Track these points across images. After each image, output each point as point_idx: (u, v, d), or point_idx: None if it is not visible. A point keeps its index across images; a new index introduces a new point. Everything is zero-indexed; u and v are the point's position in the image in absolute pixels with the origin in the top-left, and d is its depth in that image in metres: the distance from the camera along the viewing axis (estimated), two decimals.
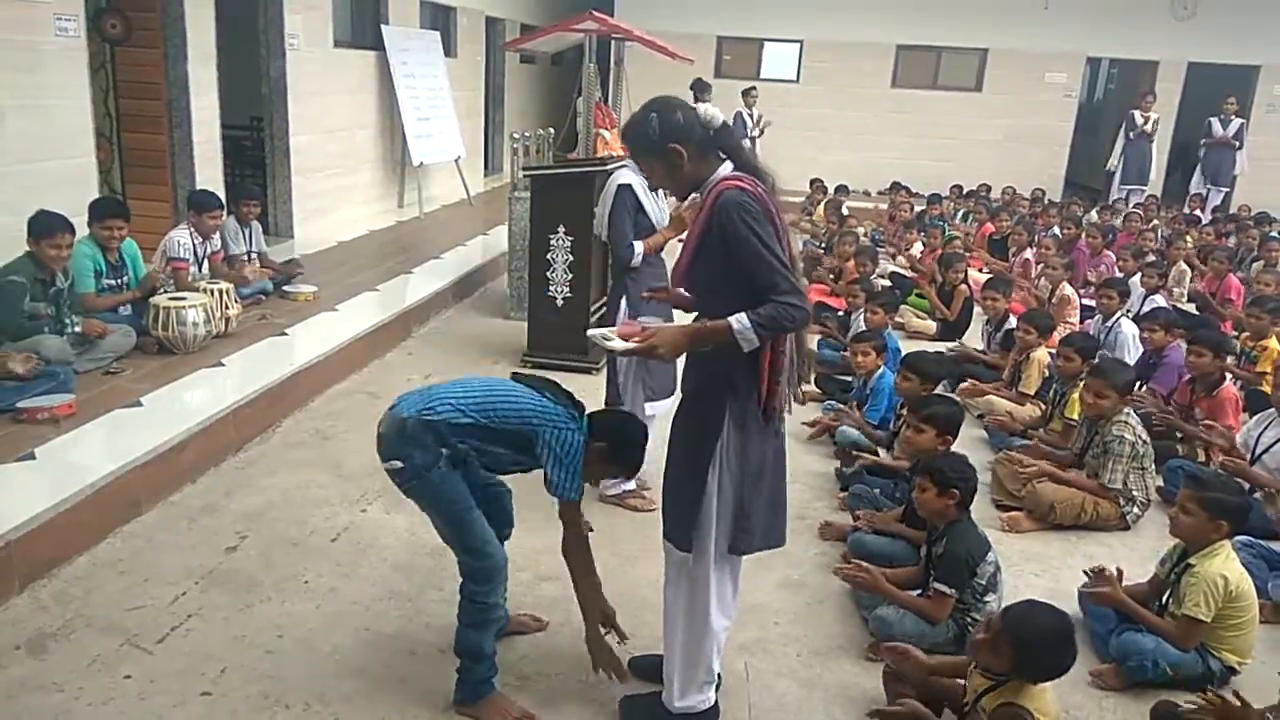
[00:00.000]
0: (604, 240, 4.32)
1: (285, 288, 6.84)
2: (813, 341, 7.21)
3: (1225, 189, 13.73)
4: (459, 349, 6.69)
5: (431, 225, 10.43)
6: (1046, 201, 13.05)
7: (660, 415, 4.38)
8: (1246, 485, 4.42)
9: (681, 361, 2.75)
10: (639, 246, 4.16)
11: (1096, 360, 4.91)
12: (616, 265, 4.30)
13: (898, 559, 3.80)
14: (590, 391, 4.40)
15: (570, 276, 6.14)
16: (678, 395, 4.38)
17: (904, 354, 5.05)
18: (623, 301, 4.25)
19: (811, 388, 6.24)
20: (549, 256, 6.14)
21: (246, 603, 3.45)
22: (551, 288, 6.19)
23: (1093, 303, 7.09)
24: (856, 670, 3.31)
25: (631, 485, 4.41)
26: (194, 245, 6.15)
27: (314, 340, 5.93)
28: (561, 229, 6.07)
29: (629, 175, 4.16)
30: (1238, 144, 13.37)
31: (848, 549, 4.00)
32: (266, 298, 6.66)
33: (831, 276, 8.75)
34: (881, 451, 4.87)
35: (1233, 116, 13.32)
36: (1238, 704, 2.56)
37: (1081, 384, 4.65)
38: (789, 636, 3.49)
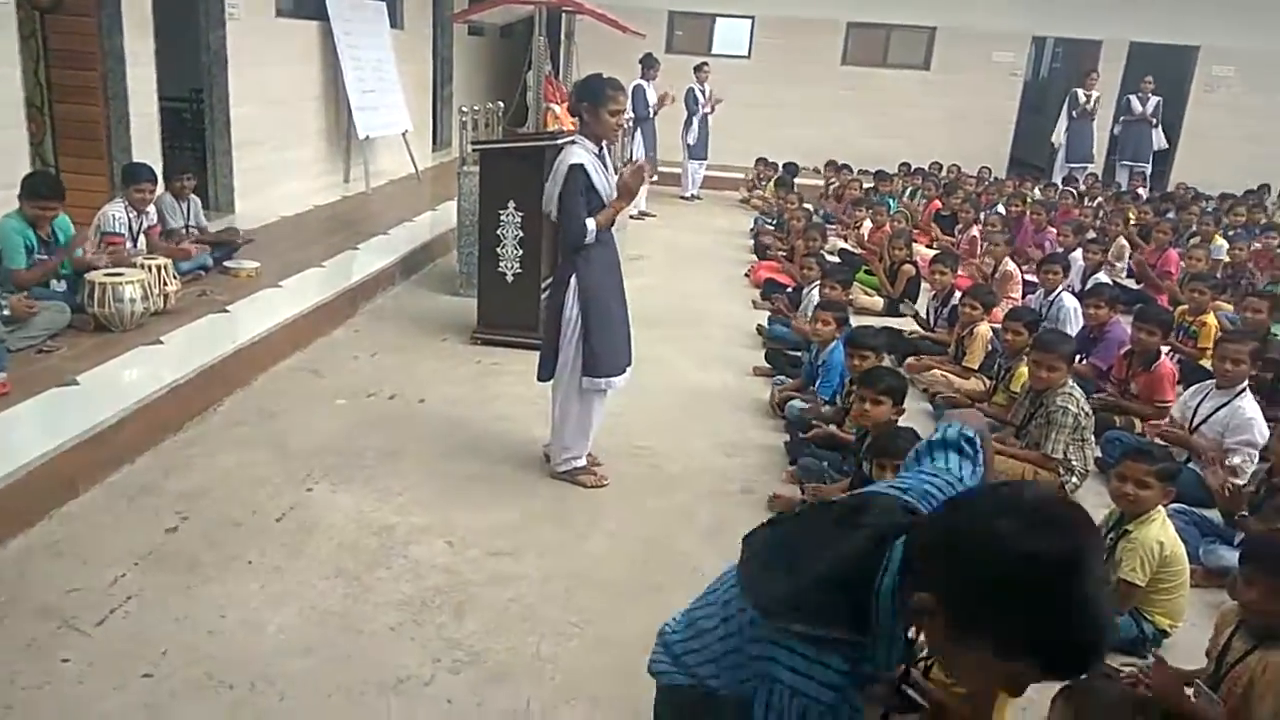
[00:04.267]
0: (553, 219, 4.25)
1: (227, 263, 6.69)
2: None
3: (1145, 165, 14.03)
4: (407, 326, 6.61)
5: (378, 200, 10.27)
6: (992, 179, 13.24)
7: (616, 391, 4.39)
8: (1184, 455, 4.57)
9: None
10: (592, 224, 4.12)
11: (1036, 336, 5.00)
12: (566, 244, 4.24)
13: None
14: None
15: (520, 252, 6.09)
16: (630, 371, 4.42)
17: (848, 332, 5.10)
18: (572, 280, 4.18)
19: (762, 363, 6.30)
20: (499, 232, 6.08)
21: (188, 584, 3.38)
22: (502, 264, 6.13)
23: (1035, 278, 7.23)
24: None
25: (582, 460, 4.41)
26: (129, 220, 5.97)
27: (256, 317, 5.81)
28: (511, 204, 6.01)
29: (580, 154, 4.10)
30: (1154, 120, 13.66)
31: None
32: (206, 273, 6.50)
33: (783, 254, 8.80)
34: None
35: (1150, 95, 13.60)
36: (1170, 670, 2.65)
37: (1030, 358, 4.72)
38: None
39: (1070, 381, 4.58)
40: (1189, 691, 2.77)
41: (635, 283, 7.82)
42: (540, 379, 4.39)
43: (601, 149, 4.22)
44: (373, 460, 4.46)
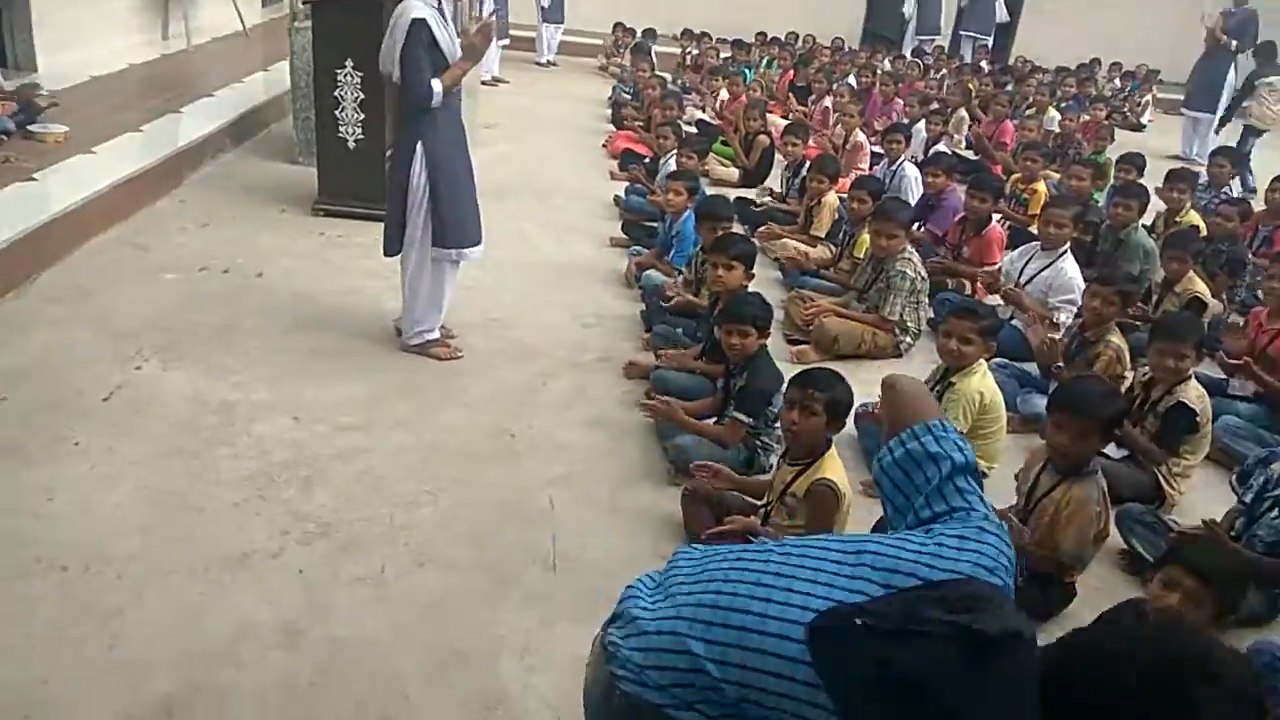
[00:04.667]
0: (394, 80, 3.99)
1: (31, 127, 6.03)
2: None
3: (987, 38, 14.43)
4: (241, 197, 6.18)
5: (202, 59, 9.42)
6: (846, 50, 13.33)
7: (470, 263, 4.28)
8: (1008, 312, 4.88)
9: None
10: (438, 85, 3.89)
11: (876, 206, 5.15)
12: (409, 107, 4.00)
13: (696, 393, 3.95)
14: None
15: (361, 116, 5.75)
16: (483, 246, 4.29)
17: (699, 201, 5.11)
18: (418, 147, 3.98)
19: (619, 234, 6.27)
20: (337, 94, 5.71)
21: (8, 469, 3.16)
22: (342, 129, 5.78)
23: (882, 149, 7.41)
24: (657, 495, 3.47)
25: (435, 333, 4.32)
26: None
27: (68, 187, 5.30)
28: (349, 63, 5.63)
29: (420, 7, 3.83)
30: None
31: (651, 386, 4.12)
32: (8, 138, 5.85)
33: (640, 124, 8.67)
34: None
35: None
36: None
37: (870, 227, 4.87)
38: (593, 470, 3.59)
39: (909, 248, 4.78)
40: None
41: (488, 153, 7.62)
42: (387, 254, 4.22)
43: (441, 3, 3.96)
44: (207, 337, 4.23)
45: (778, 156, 7.71)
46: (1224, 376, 4.42)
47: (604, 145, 8.71)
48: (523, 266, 5.58)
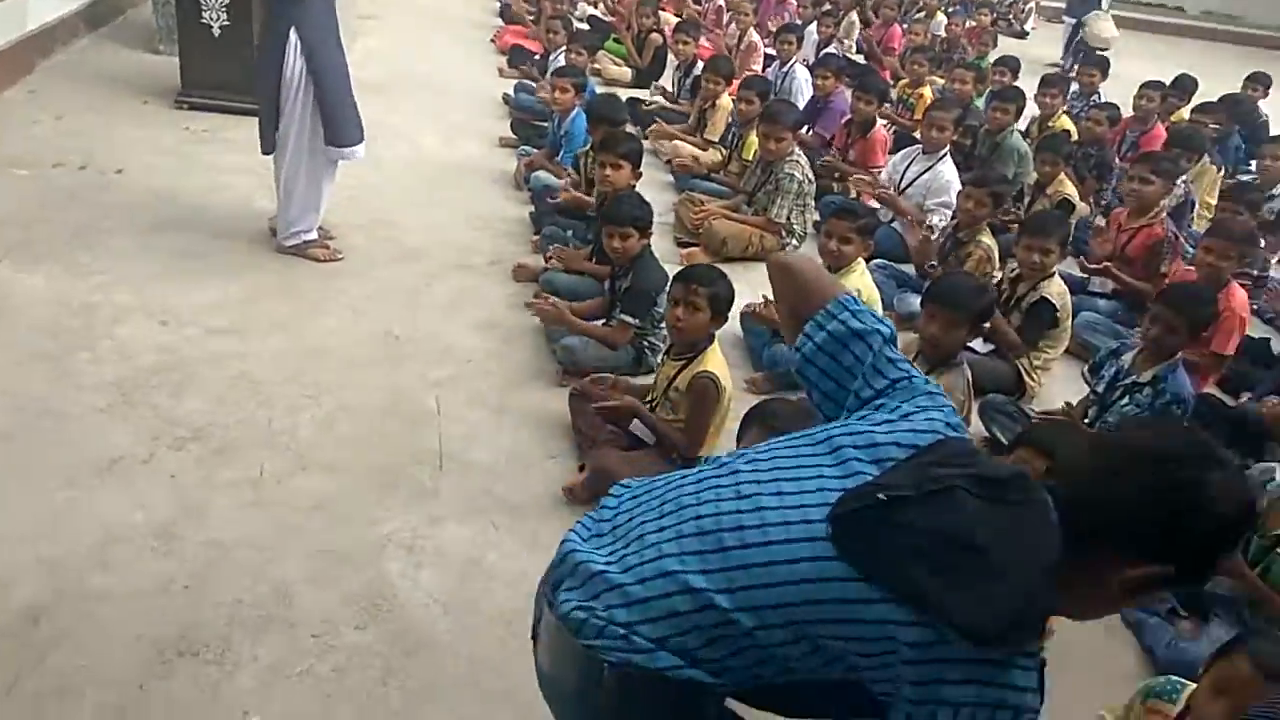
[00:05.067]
0: None
1: None
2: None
3: None
4: (97, 87, 5.75)
5: None
6: None
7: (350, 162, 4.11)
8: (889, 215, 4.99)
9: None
10: None
11: (764, 107, 5.14)
12: None
13: (585, 294, 3.95)
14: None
15: (227, 1, 5.36)
16: (365, 144, 4.10)
17: (587, 100, 5.00)
18: (291, 33, 3.74)
19: (508, 134, 6.11)
20: None
21: None
22: (206, 14, 5.40)
23: (774, 50, 7.37)
24: (546, 396, 3.48)
25: (313, 234, 4.16)
26: None
27: None
28: None
29: None
30: None
31: (540, 288, 4.09)
32: None
33: (530, 18, 8.37)
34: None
35: None
36: None
37: (759, 130, 4.85)
38: (481, 371, 3.57)
39: (796, 150, 4.81)
40: None
41: (366, 45, 7.27)
42: (265, 151, 4.00)
43: None
44: (65, 237, 3.97)
45: (670, 56, 7.58)
46: (1085, 275, 4.65)
47: (492, 40, 8.40)
48: (407, 166, 5.40)
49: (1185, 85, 7.21)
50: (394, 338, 3.68)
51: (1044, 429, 2.62)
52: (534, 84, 6.71)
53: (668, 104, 6.84)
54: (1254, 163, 6.79)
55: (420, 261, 4.33)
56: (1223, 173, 6.17)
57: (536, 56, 7.33)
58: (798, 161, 4.70)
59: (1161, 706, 2.07)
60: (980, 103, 7.06)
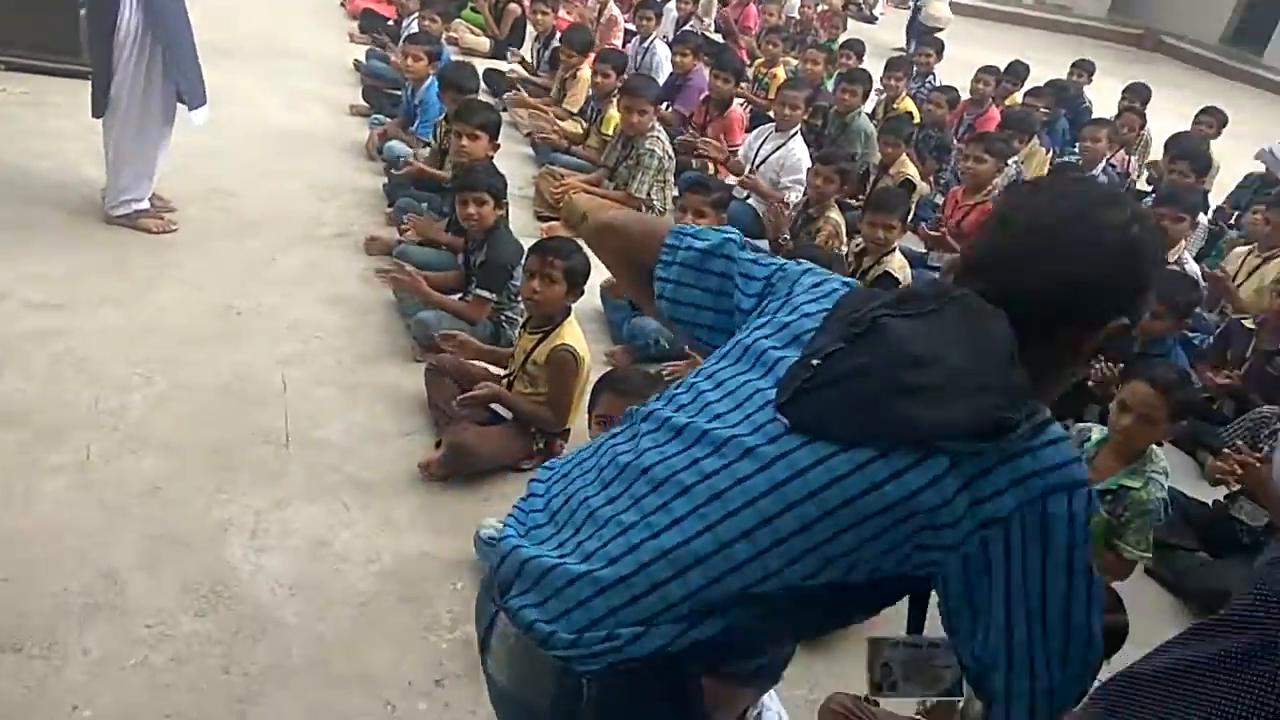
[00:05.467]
0: None
1: None
2: None
3: None
4: None
5: None
6: None
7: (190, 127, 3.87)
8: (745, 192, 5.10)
9: None
10: None
11: (625, 82, 5.15)
12: None
13: (441, 268, 3.87)
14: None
15: None
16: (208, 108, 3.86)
17: (441, 69, 4.88)
18: None
19: (360, 102, 5.90)
20: None
21: None
22: None
23: (633, 25, 7.38)
24: (400, 372, 3.40)
25: (145, 204, 3.91)
26: None
27: None
28: None
29: None
30: None
31: (394, 261, 3.97)
32: None
33: None
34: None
35: None
36: None
37: (620, 104, 4.85)
38: (331, 348, 3.46)
39: (657, 126, 4.85)
40: None
41: (205, 4, 6.81)
42: (95, 114, 3.72)
43: None
44: None
45: (530, 26, 7.49)
46: (925, 250, 4.89)
47: (342, 4, 8.08)
48: (250, 133, 5.14)
49: (1018, 71, 7.64)
50: (235, 313, 3.51)
51: None
52: (386, 51, 6.49)
53: (528, 75, 6.76)
54: (1077, 144, 7.31)
55: (263, 233, 4.14)
56: (1051, 154, 6.59)
57: (389, 22, 7.10)
58: (658, 138, 4.74)
59: None
60: (829, 84, 7.29)
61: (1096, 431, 2.88)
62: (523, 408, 3.00)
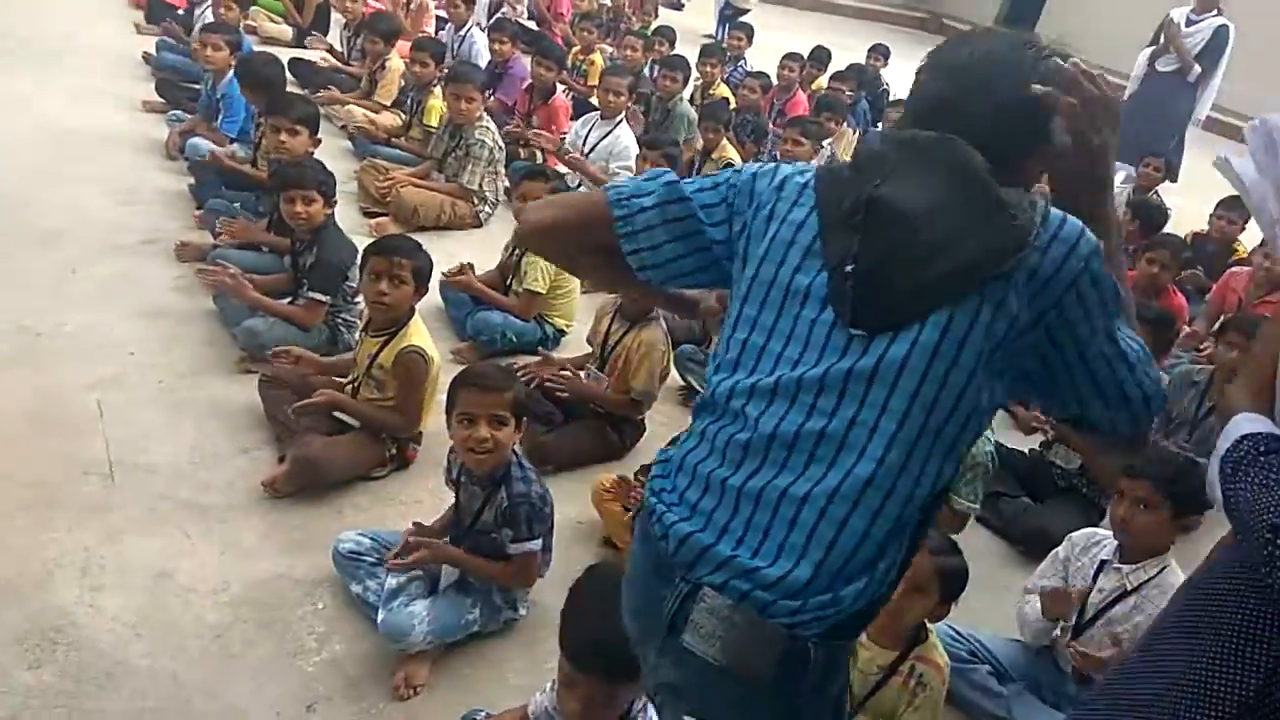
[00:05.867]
0: None
1: None
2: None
3: None
4: None
5: None
6: None
7: None
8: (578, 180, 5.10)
9: None
10: None
11: (450, 69, 5.03)
12: None
13: (265, 271, 3.65)
14: None
15: None
16: None
17: (239, 60, 4.58)
18: None
19: (154, 97, 5.47)
20: None
21: None
22: None
23: (445, 12, 7.21)
24: (230, 385, 3.20)
25: None
26: None
27: None
28: None
29: None
30: None
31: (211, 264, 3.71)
32: None
33: None
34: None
35: None
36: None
37: (448, 91, 4.70)
38: (149, 365, 3.21)
39: (485, 116, 4.76)
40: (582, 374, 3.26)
41: None
42: None
43: None
44: None
45: (337, 14, 7.16)
46: None
47: None
48: (27, 137, 4.68)
49: (821, 56, 8.01)
50: (34, 335, 3.20)
51: None
52: (178, 41, 6.05)
53: (339, 65, 6.47)
54: (879, 124, 7.76)
55: (61, 245, 3.79)
56: (857, 134, 6.96)
57: (180, 11, 6.61)
58: (488, 128, 4.65)
59: None
60: (645, 71, 7.40)
61: None
62: (366, 414, 2.89)
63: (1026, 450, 3.58)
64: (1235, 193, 5.14)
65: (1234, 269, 5.06)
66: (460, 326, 3.78)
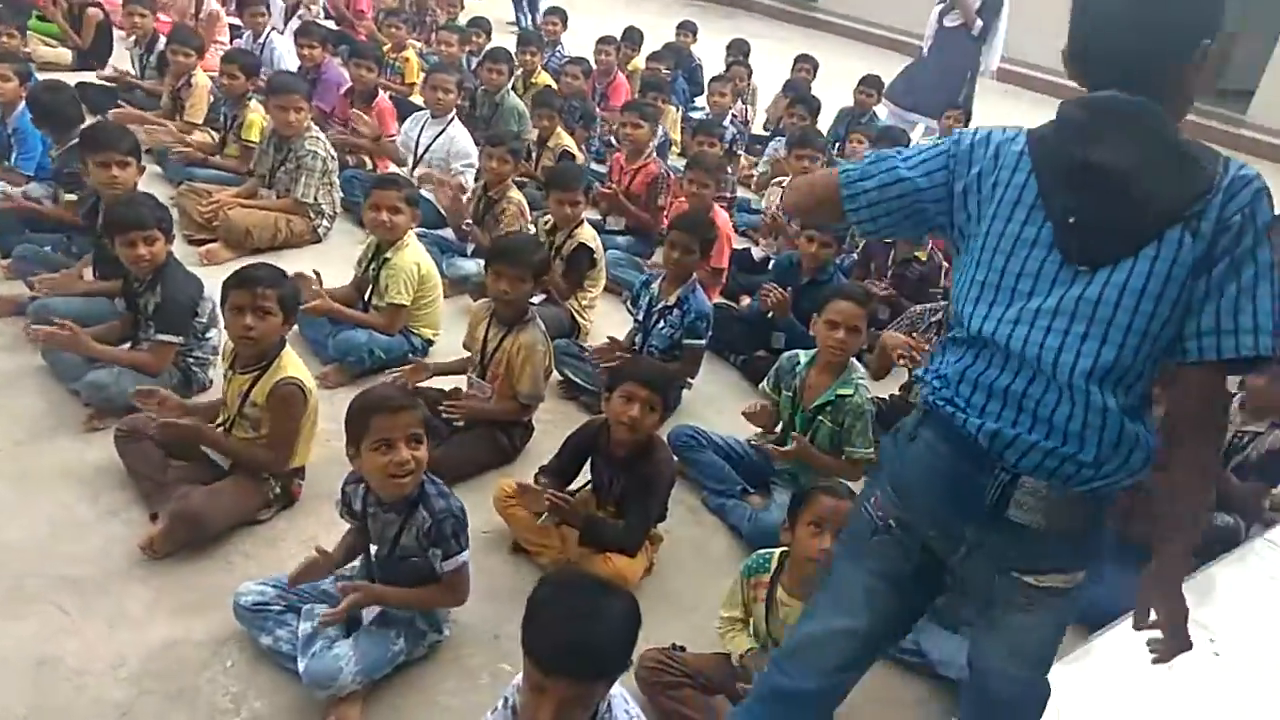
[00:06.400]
0: None
1: None
2: None
3: None
4: None
5: None
6: None
7: None
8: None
9: None
10: None
11: (270, 80, 4.76)
12: None
13: (94, 319, 3.36)
14: None
15: None
16: None
17: (31, 90, 4.19)
18: None
19: None
20: None
21: None
22: None
23: (239, 20, 6.83)
24: (79, 446, 2.96)
25: None
26: None
27: None
28: None
29: None
30: None
31: (29, 320, 3.38)
32: None
33: None
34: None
35: None
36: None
37: (272, 104, 4.44)
38: None
39: (314, 126, 4.55)
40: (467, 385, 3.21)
41: None
42: None
43: None
44: None
45: (121, 32, 6.62)
46: (601, 216, 5.09)
47: None
48: None
49: (634, 37, 8.11)
50: None
51: (630, 365, 2.83)
52: None
53: (136, 84, 6.00)
54: (699, 100, 7.95)
55: None
56: (680, 111, 7.11)
57: None
58: (317, 138, 4.45)
59: (760, 579, 2.41)
60: (464, 64, 7.27)
61: (804, 355, 3.23)
62: (235, 450, 2.74)
63: (888, 396, 3.79)
64: None
65: None
66: (321, 349, 3.62)
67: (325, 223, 4.60)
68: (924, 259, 4.43)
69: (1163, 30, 1.44)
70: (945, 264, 4.52)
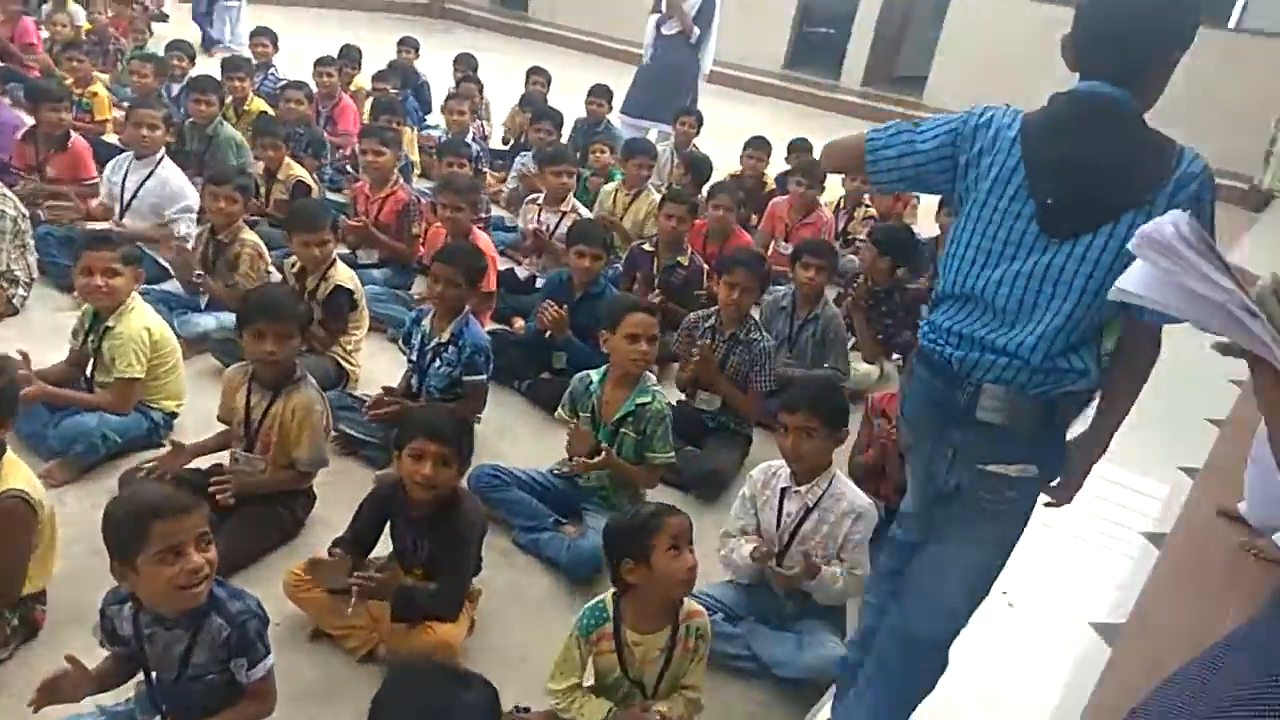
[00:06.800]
0: None
1: None
2: None
3: None
4: None
5: None
6: None
7: None
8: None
9: None
10: None
11: None
12: None
13: None
14: None
15: None
16: None
17: None
18: None
19: None
20: None
21: None
22: None
23: None
24: None
25: None
26: None
27: None
28: None
29: None
30: None
31: None
32: None
33: None
34: None
35: None
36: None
37: None
38: None
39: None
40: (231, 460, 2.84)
41: None
42: None
43: None
44: None
45: None
46: (350, 250, 4.75)
47: None
48: None
49: (353, 56, 7.70)
50: None
51: (418, 414, 2.61)
52: None
53: None
54: (430, 118, 7.70)
55: None
56: (415, 130, 6.84)
57: None
58: (5, 195, 3.79)
59: (602, 631, 2.24)
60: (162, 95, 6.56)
61: (595, 374, 3.17)
62: None
63: (675, 402, 3.81)
64: (756, 133, 5.87)
65: (775, 200, 5.81)
66: (39, 442, 3.06)
67: (21, 291, 3.93)
68: (686, 263, 4.52)
69: (1149, 38, 1.75)
70: (705, 266, 4.65)
